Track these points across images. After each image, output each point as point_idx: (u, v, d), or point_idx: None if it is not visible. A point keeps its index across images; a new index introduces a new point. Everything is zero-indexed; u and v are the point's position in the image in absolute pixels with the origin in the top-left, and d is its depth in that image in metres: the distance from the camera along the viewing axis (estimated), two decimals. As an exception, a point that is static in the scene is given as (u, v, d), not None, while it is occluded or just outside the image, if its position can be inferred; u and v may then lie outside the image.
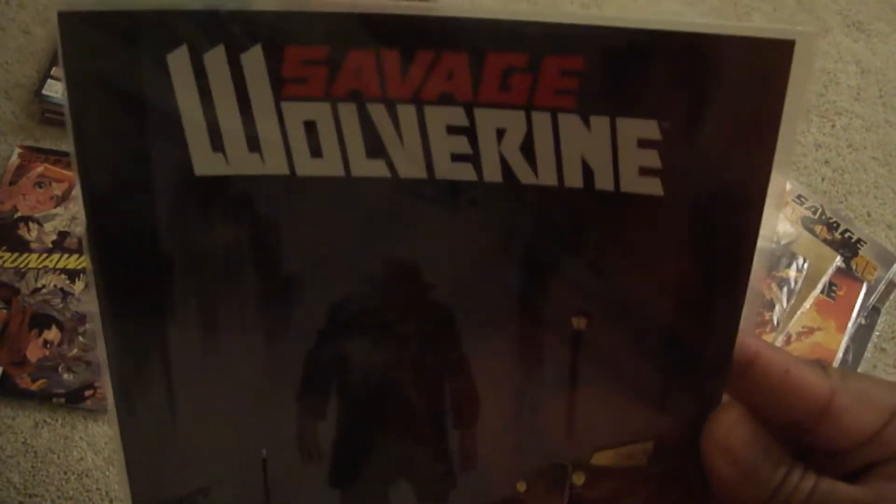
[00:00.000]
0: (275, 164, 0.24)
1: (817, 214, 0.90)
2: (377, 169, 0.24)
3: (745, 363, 0.25)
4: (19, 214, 0.85)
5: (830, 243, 0.89)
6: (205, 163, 0.24)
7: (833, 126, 0.98)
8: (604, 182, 0.24)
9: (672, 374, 0.26)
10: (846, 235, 0.90)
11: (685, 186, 0.24)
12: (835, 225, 0.90)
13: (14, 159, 0.88)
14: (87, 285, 0.84)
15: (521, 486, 0.27)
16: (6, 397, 0.77)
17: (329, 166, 0.24)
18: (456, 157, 0.24)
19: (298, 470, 0.27)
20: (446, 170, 0.24)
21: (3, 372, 0.78)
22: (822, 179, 0.95)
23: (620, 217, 0.24)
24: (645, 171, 0.24)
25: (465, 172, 0.24)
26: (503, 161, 0.24)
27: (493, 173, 0.24)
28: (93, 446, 0.77)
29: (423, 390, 0.27)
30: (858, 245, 0.89)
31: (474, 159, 0.24)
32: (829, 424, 0.24)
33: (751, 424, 0.25)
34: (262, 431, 0.27)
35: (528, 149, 0.24)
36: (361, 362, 0.26)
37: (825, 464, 0.25)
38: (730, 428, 0.25)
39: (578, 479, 0.27)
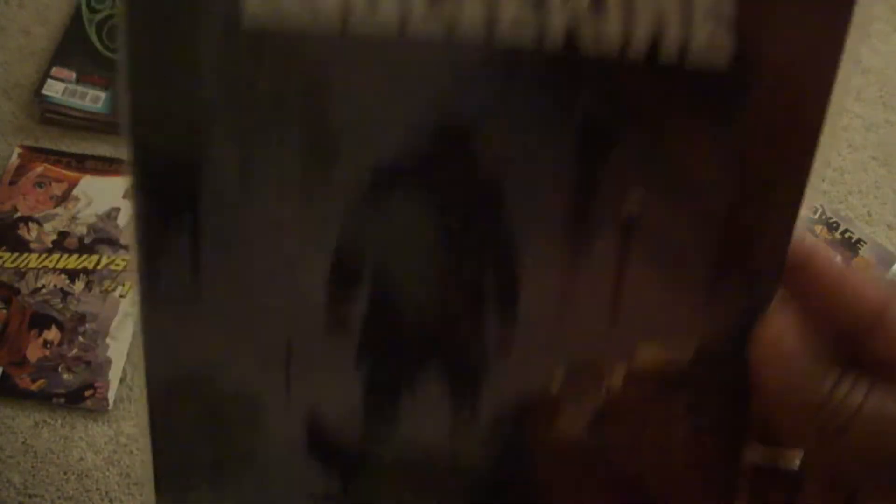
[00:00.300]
0: (329, 16, 0.23)
1: (817, 214, 0.90)
2: (435, 26, 0.23)
3: (799, 262, 0.24)
4: (19, 214, 0.85)
5: (830, 243, 0.89)
6: (256, 14, 0.23)
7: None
8: (670, 52, 0.23)
9: (724, 269, 0.24)
10: (846, 235, 0.90)
11: (754, 62, 0.23)
12: (835, 225, 0.90)
13: (14, 159, 0.88)
14: (86, 285, 0.84)
15: (557, 381, 0.25)
16: (6, 397, 0.77)
17: (385, 20, 0.23)
18: (519, 18, 0.23)
19: (324, 346, 0.26)
20: (507, 31, 0.23)
21: (3, 372, 0.78)
22: (822, 179, 0.95)
23: (684, 92, 0.23)
24: (714, 42, 0.23)
25: (526, 37, 0.23)
26: (568, 23, 0.23)
27: (555, 38, 0.23)
28: (93, 446, 0.77)
29: (463, 267, 0.25)
30: (858, 245, 0.89)
31: (538, 19, 0.23)
32: (884, 333, 0.23)
33: (802, 330, 0.24)
34: (290, 302, 0.26)
35: (597, 6, 0.22)
36: (401, 233, 0.25)
37: (877, 376, 0.23)
38: (780, 332, 0.24)
39: (617, 376, 0.25)
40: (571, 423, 0.26)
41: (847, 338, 0.24)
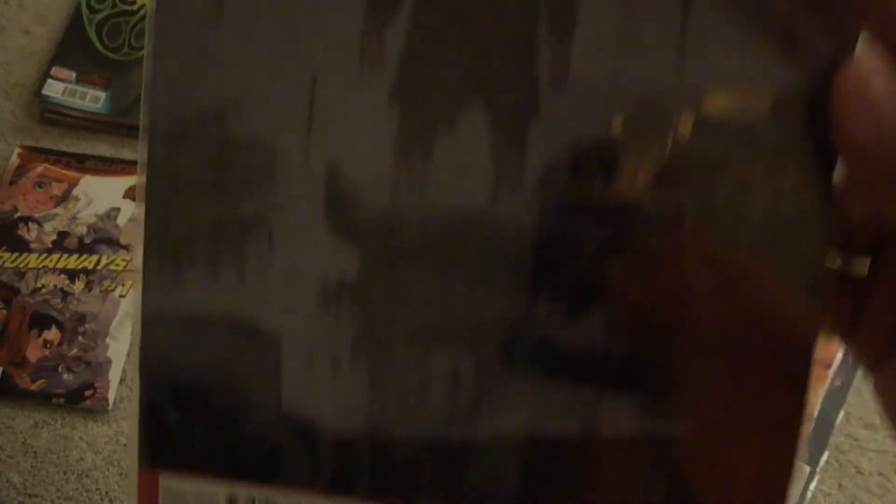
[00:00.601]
0: None
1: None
2: None
3: None
4: (19, 214, 0.85)
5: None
6: None
7: (833, 126, 0.98)
8: None
9: (803, 4, 0.21)
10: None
11: None
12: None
13: (14, 159, 0.88)
14: (86, 285, 0.84)
15: (617, 126, 0.22)
16: (6, 397, 0.77)
17: None
18: None
19: (354, 80, 0.23)
20: None
21: (3, 372, 0.78)
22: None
23: None
24: None
25: None
26: None
27: None
28: (93, 446, 0.77)
29: None
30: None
31: None
32: None
33: (893, 75, 0.20)
34: (321, 24, 0.23)
35: None
36: None
37: None
38: (867, 77, 0.20)
39: (685, 126, 0.22)
40: (633, 178, 0.22)
41: None
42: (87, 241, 0.84)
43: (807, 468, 0.79)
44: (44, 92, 0.90)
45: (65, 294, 0.81)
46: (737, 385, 0.23)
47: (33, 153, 0.89)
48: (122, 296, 0.82)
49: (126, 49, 0.94)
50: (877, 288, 0.24)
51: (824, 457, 0.80)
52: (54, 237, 0.84)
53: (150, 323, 0.25)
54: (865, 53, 0.21)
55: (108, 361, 0.79)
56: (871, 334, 0.24)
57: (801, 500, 0.78)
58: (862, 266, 0.24)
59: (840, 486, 0.80)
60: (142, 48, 0.94)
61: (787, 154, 0.22)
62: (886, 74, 0.20)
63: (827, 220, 0.22)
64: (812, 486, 0.79)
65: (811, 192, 0.22)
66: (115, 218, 0.86)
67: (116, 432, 0.77)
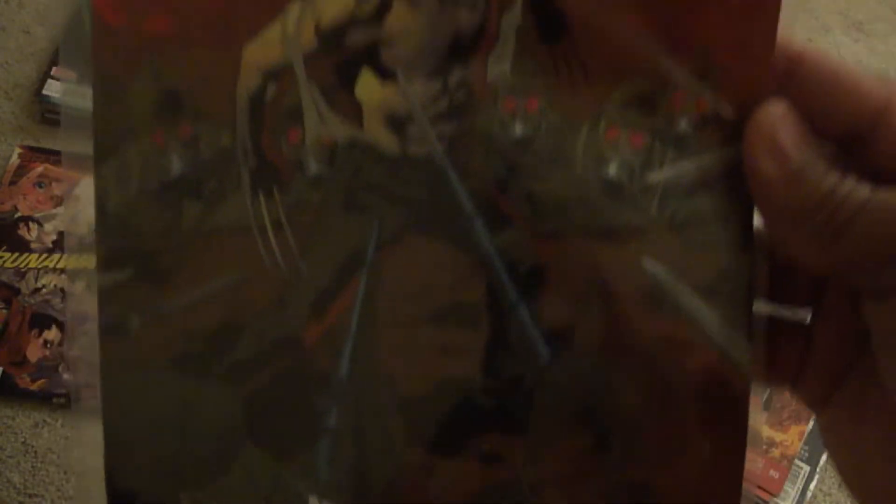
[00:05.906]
0: None
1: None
2: None
3: (790, 61, 0.23)
4: (19, 214, 0.85)
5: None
6: None
7: (833, 126, 0.98)
8: None
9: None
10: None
11: None
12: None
13: (14, 159, 0.88)
14: (87, 285, 0.84)
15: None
16: (6, 397, 0.77)
17: None
18: None
19: None
20: None
21: (3, 372, 0.78)
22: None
23: None
24: None
25: None
26: None
27: None
28: (93, 446, 0.76)
29: None
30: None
31: None
32: (887, 132, 0.22)
33: (800, 120, 0.22)
34: None
35: None
36: None
37: (882, 179, 0.22)
38: (777, 122, 0.22)
39: None
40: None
41: (850, 139, 0.22)
42: (88, 241, 0.84)
43: (807, 468, 0.79)
44: (44, 92, 0.90)
45: (65, 294, 0.81)
46: (674, 427, 0.24)
47: (33, 153, 0.89)
48: (122, 296, 0.82)
49: (126, 49, 0.94)
50: (817, 335, 0.25)
51: (824, 457, 0.80)
52: (54, 237, 0.84)
53: None
54: (775, 101, 0.22)
55: (109, 361, 0.79)
56: (813, 379, 0.25)
57: (801, 500, 0.78)
58: (805, 314, 0.25)
59: (840, 485, 0.80)
60: (142, 48, 0.95)
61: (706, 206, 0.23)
62: (796, 125, 0.22)
63: (751, 269, 0.23)
64: (812, 486, 0.79)
65: (732, 241, 0.23)
66: (116, 218, 0.86)
67: (116, 432, 0.77)
